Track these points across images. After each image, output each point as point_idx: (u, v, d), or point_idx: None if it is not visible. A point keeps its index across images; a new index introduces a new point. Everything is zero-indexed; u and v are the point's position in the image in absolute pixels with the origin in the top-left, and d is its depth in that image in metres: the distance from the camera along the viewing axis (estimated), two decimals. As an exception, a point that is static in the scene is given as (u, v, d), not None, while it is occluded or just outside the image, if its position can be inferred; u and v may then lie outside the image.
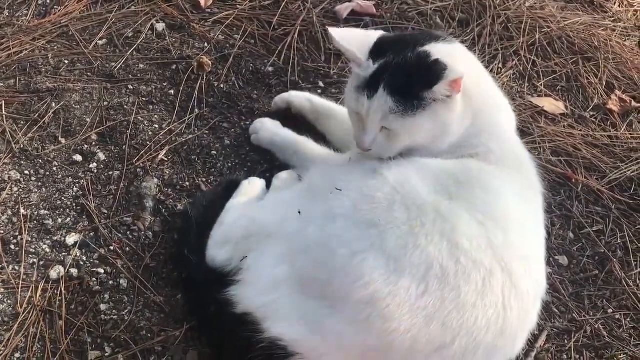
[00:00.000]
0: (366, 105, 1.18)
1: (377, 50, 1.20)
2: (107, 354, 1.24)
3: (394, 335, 0.97)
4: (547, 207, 1.55)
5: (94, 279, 1.34)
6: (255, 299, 1.06)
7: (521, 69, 1.88)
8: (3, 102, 1.64)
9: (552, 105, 1.79)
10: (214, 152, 1.61)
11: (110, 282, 1.34)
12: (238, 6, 1.95)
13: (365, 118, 1.20)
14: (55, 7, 1.93)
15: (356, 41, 1.21)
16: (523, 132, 1.71)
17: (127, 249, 1.40)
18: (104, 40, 1.85)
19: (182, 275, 1.34)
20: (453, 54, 1.20)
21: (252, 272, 1.13)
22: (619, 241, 1.57)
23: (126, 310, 1.31)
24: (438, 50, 1.18)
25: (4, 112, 1.62)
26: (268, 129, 1.59)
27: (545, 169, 1.62)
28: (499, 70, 1.87)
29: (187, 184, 1.54)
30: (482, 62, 1.86)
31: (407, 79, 1.15)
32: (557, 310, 1.44)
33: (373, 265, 1.00)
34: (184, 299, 1.31)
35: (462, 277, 1.00)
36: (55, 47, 1.81)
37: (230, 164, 1.59)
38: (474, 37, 1.93)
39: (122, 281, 1.34)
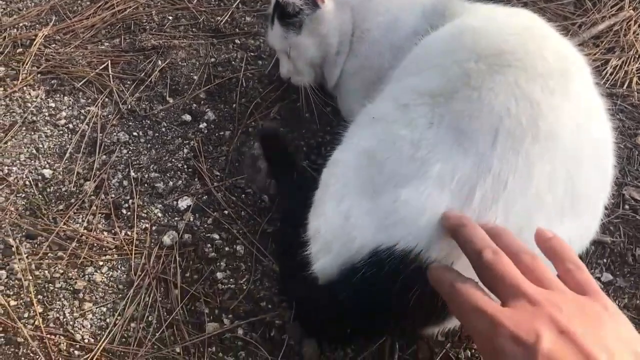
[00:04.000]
0: (270, 35, 1.37)
1: None
2: (225, 326, 1.13)
3: None
4: None
5: (209, 245, 1.23)
6: (332, 250, 0.89)
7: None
8: (109, 61, 1.56)
9: None
10: (329, 109, 1.46)
11: (226, 249, 1.23)
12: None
13: (276, 50, 1.40)
14: (157, -37, 1.84)
15: None
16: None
17: (243, 213, 1.28)
18: (208, -7, 1.73)
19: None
20: None
21: (321, 229, 0.94)
22: None
23: (244, 279, 1.19)
24: None
25: (110, 72, 1.55)
26: None
27: None
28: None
29: (302, 142, 1.40)
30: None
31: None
32: None
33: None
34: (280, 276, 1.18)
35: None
36: (159, 3, 1.71)
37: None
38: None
39: (238, 247, 1.23)
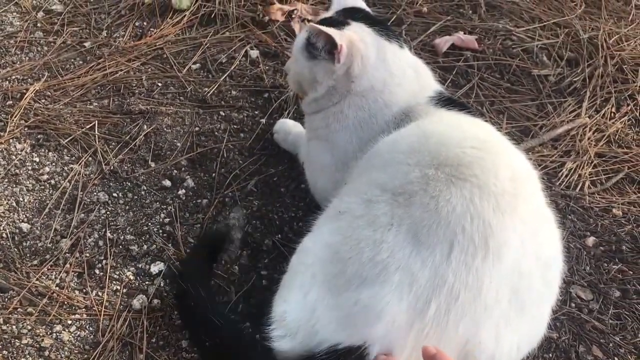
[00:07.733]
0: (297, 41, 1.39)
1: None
2: (186, 396, 1.17)
3: None
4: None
5: (177, 312, 1.28)
6: (297, 338, 0.97)
7: (637, 114, 1.73)
8: (96, 122, 1.63)
9: (672, 156, 1.63)
10: (303, 186, 1.54)
11: (194, 317, 1.27)
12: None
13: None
14: (151, 29, 1.93)
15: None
16: (641, 184, 1.56)
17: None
18: (197, 64, 1.82)
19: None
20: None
21: (287, 317, 1.01)
22: None
23: (208, 349, 1.23)
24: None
25: (96, 132, 1.61)
26: (283, 129, 1.61)
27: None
28: (612, 115, 1.73)
29: (276, 216, 1.47)
30: (592, 105, 1.74)
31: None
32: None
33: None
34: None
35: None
36: (149, 69, 1.80)
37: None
38: (585, 78, 1.79)
39: (205, 317, 1.27)
